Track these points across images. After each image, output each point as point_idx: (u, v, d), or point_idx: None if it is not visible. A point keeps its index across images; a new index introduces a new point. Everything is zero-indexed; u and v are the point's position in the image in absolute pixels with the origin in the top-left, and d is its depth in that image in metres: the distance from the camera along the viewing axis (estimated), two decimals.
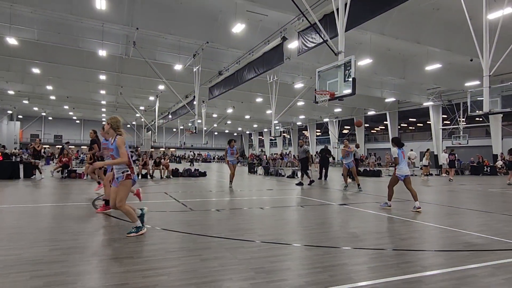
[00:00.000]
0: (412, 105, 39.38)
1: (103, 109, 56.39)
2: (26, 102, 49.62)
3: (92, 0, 16.90)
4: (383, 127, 51.12)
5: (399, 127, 44.19)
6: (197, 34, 20.28)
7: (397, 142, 7.94)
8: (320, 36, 10.96)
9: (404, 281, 3.30)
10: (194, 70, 23.95)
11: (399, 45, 21.31)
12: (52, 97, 44.66)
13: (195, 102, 25.52)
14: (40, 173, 15.00)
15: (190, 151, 57.74)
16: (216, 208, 7.78)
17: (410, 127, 51.09)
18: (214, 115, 50.99)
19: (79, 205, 7.82)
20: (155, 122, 41.70)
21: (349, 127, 51.48)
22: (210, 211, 7.36)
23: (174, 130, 64.60)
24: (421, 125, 46.91)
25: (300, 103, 39.02)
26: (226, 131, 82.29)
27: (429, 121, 36.82)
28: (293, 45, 18.00)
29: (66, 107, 54.57)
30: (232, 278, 3.29)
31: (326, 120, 51.09)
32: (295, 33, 16.02)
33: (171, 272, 3.43)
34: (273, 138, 39.39)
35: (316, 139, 57.79)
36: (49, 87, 37.66)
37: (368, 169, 26.07)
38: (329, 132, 50.28)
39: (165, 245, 4.45)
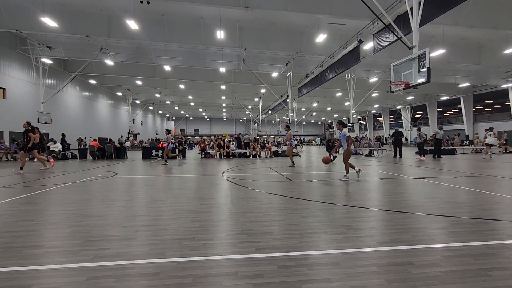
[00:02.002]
0: (488, 88, 32.07)
1: (224, 110, 60.74)
2: (176, 108, 56.81)
3: (215, 33, 18.12)
4: (456, 110, 43.04)
5: (474, 109, 36.61)
6: (288, 47, 20.05)
7: (343, 125, 7.76)
8: (394, 35, 9.68)
9: (488, 246, 2.78)
10: (287, 75, 23.81)
11: (474, 33, 17.46)
12: (192, 103, 50.05)
13: (288, 100, 25.47)
14: (183, 157, 17.05)
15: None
16: (308, 179, 7.73)
17: (486, 109, 41.85)
18: (303, 109, 50.21)
19: (214, 175, 8.68)
20: (259, 116, 43.15)
21: (421, 112, 44.83)
22: (304, 181, 7.35)
23: (273, 122, 65.98)
24: (499, 106, 37.94)
25: (375, 94, 35.49)
26: (312, 121, 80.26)
27: (508, 102, 29.53)
28: (368, 46, 16.39)
29: (200, 109, 60.49)
30: (327, 231, 3.25)
31: (399, 107, 45.46)
32: (369, 35, 14.50)
33: (281, 224, 3.56)
34: (351, 125, 37.15)
35: (390, 123, 52.09)
36: (190, 97, 42.23)
37: (444, 148, 22.33)
38: (402, 118, 44.66)
39: (274, 205, 4.62)
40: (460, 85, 31.33)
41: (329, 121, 63.70)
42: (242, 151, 18.33)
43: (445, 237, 3.07)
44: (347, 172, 7.51)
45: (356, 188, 6.22)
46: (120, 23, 17.83)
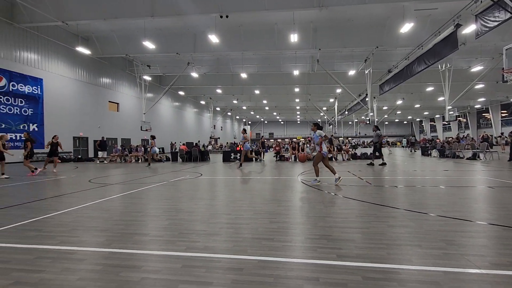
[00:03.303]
0: None
1: (298, 112, 60.49)
2: (252, 112, 59.35)
3: (288, 37, 18.28)
4: None
5: None
6: (367, 42, 18.68)
7: (318, 126, 7.36)
8: (508, 11, 7.94)
9: None
10: (366, 72, 22.17)
11: None
12: (266, 108, 51.51)
13: (367, 99, 23.66)
14: (261, 159, 17.65)
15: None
16: (393, 184, 6.99)
17: None
18: (385, 108, 45.83)
19: (289, 178, 8.71)
20: (335, 118, 41.37)
21: None
22: (388, 187, 6.68)
23: (350, 123, 62.23)
24: None
25: (479, 86, 29.80)
26: (396, 120, 72.54)
27: None
28: (468, 29, 13.93)
29: (274, 113, 61.72)
30: (421, 245, 2.86)
31: None
32: (470, 17, 12.31)
33: (364, 232, 3.31)
34: (446, 123, 31.29)
35: (502, 120, 42.61)
36: (264, 101, 43.52)
37: None
38: None
39: (355, 211, 4.34)
40: None
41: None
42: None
43: None
44: (317, 175, 7.25)
45: (456, 197, 5.31)
46: (203, 38, 19.74)
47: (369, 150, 20.62)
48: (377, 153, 13.15)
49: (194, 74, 25.77)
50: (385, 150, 22.90)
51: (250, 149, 14.18)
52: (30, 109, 18.50)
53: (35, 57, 18.82)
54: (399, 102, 39.47)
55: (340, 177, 7.06)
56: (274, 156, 18.56)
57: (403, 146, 45.95)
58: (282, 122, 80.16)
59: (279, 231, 3.39)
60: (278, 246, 2.90)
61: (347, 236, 3.15)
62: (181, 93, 37.45)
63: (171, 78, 28.87)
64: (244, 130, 13.82)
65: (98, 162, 18.11)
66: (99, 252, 2.81)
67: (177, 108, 38.85)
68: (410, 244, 2.87)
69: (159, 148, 23.83)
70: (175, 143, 33.57)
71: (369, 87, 22.31)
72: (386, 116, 51.34)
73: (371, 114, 23.49)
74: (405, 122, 75.34)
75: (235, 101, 43.20)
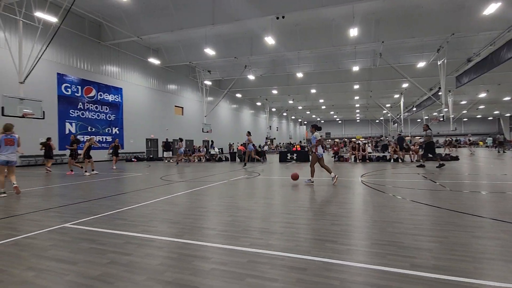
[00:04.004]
0: None
1: (357, 110, 57.29)
2: (308, 112, 58.34)
3: (347, 32, 17.46)
4: None
5: None
6: (440, 30, 16.69)
7: (316, 128, 7.51)
8: None
9: None
10: (439, 63, 19.82)
11: None
12: (323, 107, 50.03)
13: (440, 93, 21.10)
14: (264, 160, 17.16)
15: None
16: (475, 189, 6.09)
17: None
18: (463, 102, 40.15)
19: (350, 180, 8.31)
20: (400, 115, 37.93)
21: None
22: (469, 192, 5.84)
23: (418, 120, 56.25)
24: None
25: None
26: (478, 116, 63.05)
27: None
28: None
29: (331, 112, 59.58)
30: None
31: None
32: None
33: (442, 241, 2.97)
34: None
35: None
36: (321, 100, 42.36)
37: None
38: None
39: (429, 217, 3.92)
40: None
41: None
42: (381, 154, 16.63)
43: None
44: (312, 176, 7.34)
45: None
46: (259, 41, 20.16)
47: (438, 150, 18.33)
48: (429, 155, 11.97)
49: (251, 77, 26.49)
50: (463, 151, 19.99)
51: (253, 150, 14.89)
52: (113, 115, 21.45)
53: (116, 69, 21.74)
54: (482, 95, 34.10)
55: (336, 176, 7.20)
56: (332, 157, 17.91)
57: (487, 146, 39.47)
58: (339, 121, 76.84)
59: (342, 234, 3.28)
60: (342, 249, 2.80)
61: (421, 244, 2.88)
62: (238, 95, 38.89)
63: (229, 82, 30.22)
64: (249, 133, 14.63)
65: (166, 161, 20.01)
66: (174, 241, 3.11)
67: (235, 110, 40.46)
68: (504, 259, 2.48)
69: (219, 149, 25.16)
70: (233, 143, 34.98)
71: (443, 79, 19.85)
72: (464, 111, 44.96)
73: (445, 109, 20.82)
74: (490, 118, 64.87)
75: (290, 101, 43.02)
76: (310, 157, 7.76)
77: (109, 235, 3.35)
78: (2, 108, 11.83)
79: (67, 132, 18.16)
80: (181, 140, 17.03)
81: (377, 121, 67.99)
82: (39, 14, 13.50)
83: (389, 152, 16.10)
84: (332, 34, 18.41)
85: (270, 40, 17.64)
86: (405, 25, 17.04)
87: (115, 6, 16.73)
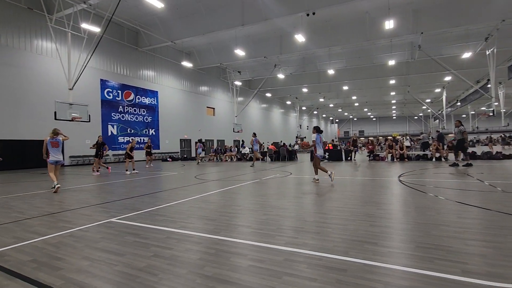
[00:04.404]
0: None
1: (393, 107, 54.51)
2: (340, 110, 56.70)
3: (382, 24, 16.70)
4: None
5: None
6: (488, 16, 15.28)
7: (318, 130, 7.73)
8: None
9: None
10: (487, 53, 18.15)
11: None
12: (356, 104, 48.28)
13: (489, 85, 19.28)
14: (354, 158, 16.62)
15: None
16: None
17: None
18: None
19: (387, 179, 7.92)
20: (442, 111, 35.32)
21: None
22: None
23: (464, 116, 51.93)
24: None
25: None
26: None
27: None
28: None
29: (365, 109, 57.26)
30: None
31: None
32: None
33: (498, 246, 2.71)
34: None
35: None
36: (354, 97, 40.93)
37: None
38: None
39: (481, 221, 3.60)
40: None
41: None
42: (421, 152, 15.65)
43: None
44: (316, 174, 7.74)
45: None
46: (289, 39, 19.99)
47: (491, 149, 16.75)
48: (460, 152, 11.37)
49: (281, 75, 26.37)
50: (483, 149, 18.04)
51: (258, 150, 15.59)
52: (149, 117, 22.63)
53: (152, 73, 22.89)
54: None
55: (332, 172, 7.38)
56: (367, 156, 17.21)
57: None
58: (374, 119, 73.61)
59: (382, 235, 3.14)
60: (383, 251, 2.69)
61: (473, 249, 2.66)
62: (268, 95, 38.92)
63: (259, 81, 30.37)
64: (254, 134, 15.34)
65: (199, 161, 20.65)
66: (211, 238, 3.21)
67: (265, 109, 40.56)
68: None
69: (249, 148, 25.41)
70: (263, 143, 35.09)
71: (492, 70, 18.12)
72: None
73: (496, 103, 18.98)
74: None
75: (321, 99, 42.10)
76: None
77: (151, 230, 3.55)
78: (55, 112, 13.04)
79: (109, 133, 19.52)
80: (200, 141, 17.56)
81: (415, 117, 63.96)
82: (84, 25, 14.68)
83: (430, 151, 15.07)
84: (365, 27, 17.68)
85: (300, 38, 17.42)
86: (447, 13, 15.83)
87: (151, 13, 17.62)
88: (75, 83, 14.29)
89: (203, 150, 18.78)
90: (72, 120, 13.99)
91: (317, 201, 5.20)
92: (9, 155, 14.20)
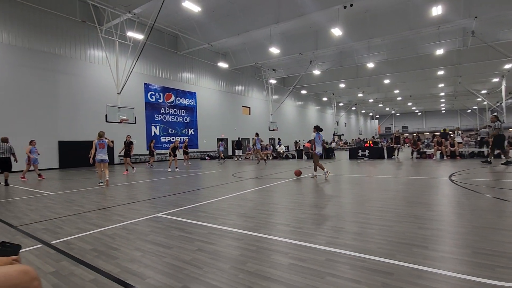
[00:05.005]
0: None
1: (442, 100, 50.25)
2: (380, 105, 53.74)
3: (428, 11, 15.48)
4: None
5: None
6: None
7: (318, 129, 8.24)
8: None
9: None
10: None
11: None
12: (399, 98, 45.42)
13: None
14: (398, 156, 15.64)
15: None
16: None
17: None
18: None
19: (436, 178, 7.35)
20: (501, 102, 31.65)
21: None
22: None
23: None
24: None
25: None
26: None
27: None
28: None
29: (409, 103, 53.66)
30: None
31: None
32: None
33: None
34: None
35: None
36: (396, 91, 38.55)
37: None
38: None
39: None
40: None
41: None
42: (476, 149, 14.22)
43: None
44: (315, 170, 8.33)
45: None
46: (325, 34, 19.45)
47: None
48: (497, 150, 10.35)
49: (316, 72, 25.78)
50: None
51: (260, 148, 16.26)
52: (188, 117, 23.64)
53: (191, 75, 23.85)
54: None
55: (326, 171, 8.02)
56: (412, 153, 16.11)
57: None
58: (419, 113, 68.56)
59: (433, 239, 2.93)
60: (435, 256, 2.51)
61: None
62: (304, 91, 38.29)
63: (294, 79, 30.02)
64: (257, 134, 16.01)
65: (235, 159, 21.09)
66: (251, 235, 3.27)
67: (300, 107, 39.99)
68: None
69: (285, 146, 25.30)
70: (299, 141, 34.67)
71: None
72: None
73: None
74: None
75: (360, 94, 40.32)
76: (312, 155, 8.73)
77: (194, 225, 3.72)
78: (106, 115, 14.25)
79: (153, 134, 20.80)
80: (257, 135, 17.70)
81: (468, 111, 58.22)
82: (130, 33, 15.79)
83: (487, 148, 13.61)
84: (408, 16, 16.52)
85: (336, 32, 16.84)
86: None
87: (189, 18, 18.36)
88: (122, 87, 15.47)
89: (224, 148, 19.40)
90: (120, 122, 15.18)
91: (357, 200, 5.01)
92: (67, 155, 15.89)
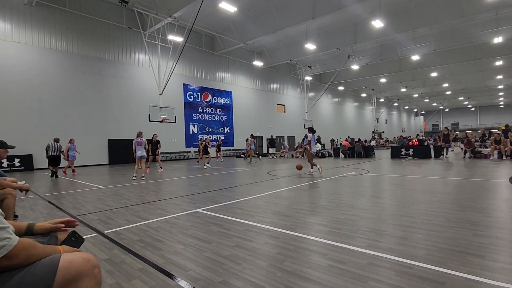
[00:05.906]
0: None
1: (500, 93, 45.21)
2: (427, 100, 49.96)
3: None
4: None
5: None
6: None
7: (312, 130, 9.13)
8: None
9: None
10: None
11: None
12: (448, 92, 41.85)
13: None
14: (446, 155, 14.41)
15: None
16: None
17: None
18: None
19: (494, 181, 6.63)
20: None
21: None
22: None
23: None
24: None
25: None
26: None
27: None
28: None
29: (461, 98, 49.13)
30: None
31: None
32: None
33: None
34: None
35: None
36: (445, 85, 35.59)
37: None
38: None
39: None
40: None
41: None
42: None
43: None
44: (311, 167, 9.08)
45: None
46: (365, 26, 18.56)
47: None
48: None
49: (355, 66, 24.73)
50: None
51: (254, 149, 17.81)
52: (224, 116, 24.20)
53: (227, 75, 24.36)
54: None
55: (320, 167, 8.92)
56: (464, 152, 14.73)
57: None
58: (472, 109, 62.38)
59: (492, 247, 2.65)
60: (494, 266, 2.27)
61: None
62: (341, 88, 36.99)
63: (330, 75, 29.14)
64: (252, 135, 17.37)
65: (270, 157, 21.12)
66: (288, 234, 3.25)
67: (337, 103, 38.73)
68: None
69: (321, 144, 24.71)
70: (337, 139, 33.61)
71: None
72: None
73: None
74: None
75: (403, 89, 37.82)
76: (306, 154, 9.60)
77: (232, 222, 3.81)
78: (149, 115, 15.16)
79: (191, 132, 21.67)
80: (252, 136, 17.68)
81: None
82: (170, 36, 16.59)
83: None
84: (460, 2, 15.05)
85: (377, 24, 15.96)
86: None
87: (225, 18, 18.75)
88: (163, 88, 16.33)
89: (256, 146, 19.73)
90: (162, 121, 16.06)
91: (401, 202, 4.72)
92: (115, 152, 17.23)
